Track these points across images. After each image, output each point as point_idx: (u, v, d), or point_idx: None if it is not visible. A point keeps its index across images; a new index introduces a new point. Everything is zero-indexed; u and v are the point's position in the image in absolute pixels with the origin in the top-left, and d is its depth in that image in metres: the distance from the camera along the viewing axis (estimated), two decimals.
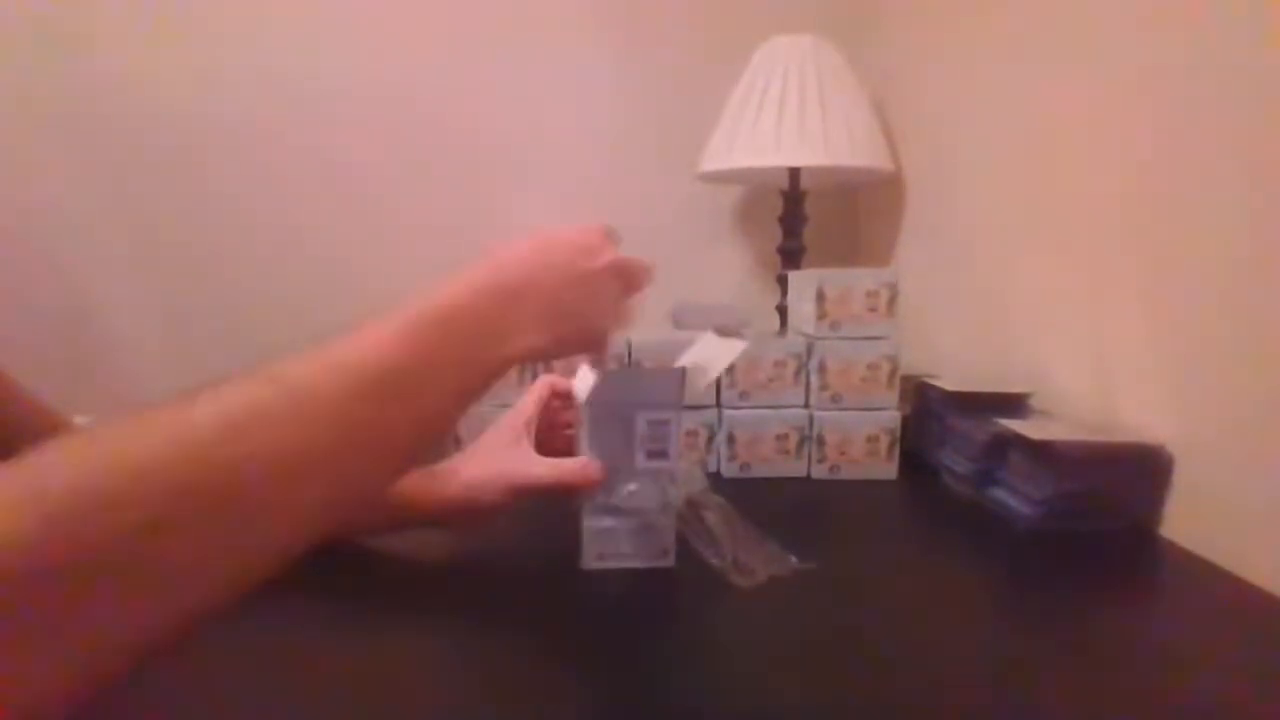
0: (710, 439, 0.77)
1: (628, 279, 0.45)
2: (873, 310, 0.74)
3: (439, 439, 0.35)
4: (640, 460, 0.53)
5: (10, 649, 0.20)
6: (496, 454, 0.55)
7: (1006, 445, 0.65)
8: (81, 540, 0.22)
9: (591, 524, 0.54)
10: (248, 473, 0.27)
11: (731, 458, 0.76)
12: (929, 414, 0.77)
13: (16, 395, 0.48)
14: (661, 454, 0.53)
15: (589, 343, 0.46)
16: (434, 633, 0.47)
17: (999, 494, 0.65)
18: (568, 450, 0.57)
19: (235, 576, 0.27)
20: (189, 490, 0.25)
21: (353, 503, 0.32)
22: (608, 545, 0.54)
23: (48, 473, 0.23)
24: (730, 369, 0.63)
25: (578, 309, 0.42)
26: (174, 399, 0.29)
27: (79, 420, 0.52)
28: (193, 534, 0.25)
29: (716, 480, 0.76)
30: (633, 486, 0.53)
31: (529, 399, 0.57)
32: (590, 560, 0.54)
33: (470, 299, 0.38)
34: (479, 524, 0.58)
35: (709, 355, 0.59)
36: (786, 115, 0.99)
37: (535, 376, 0.60)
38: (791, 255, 1.09)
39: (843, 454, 0.75)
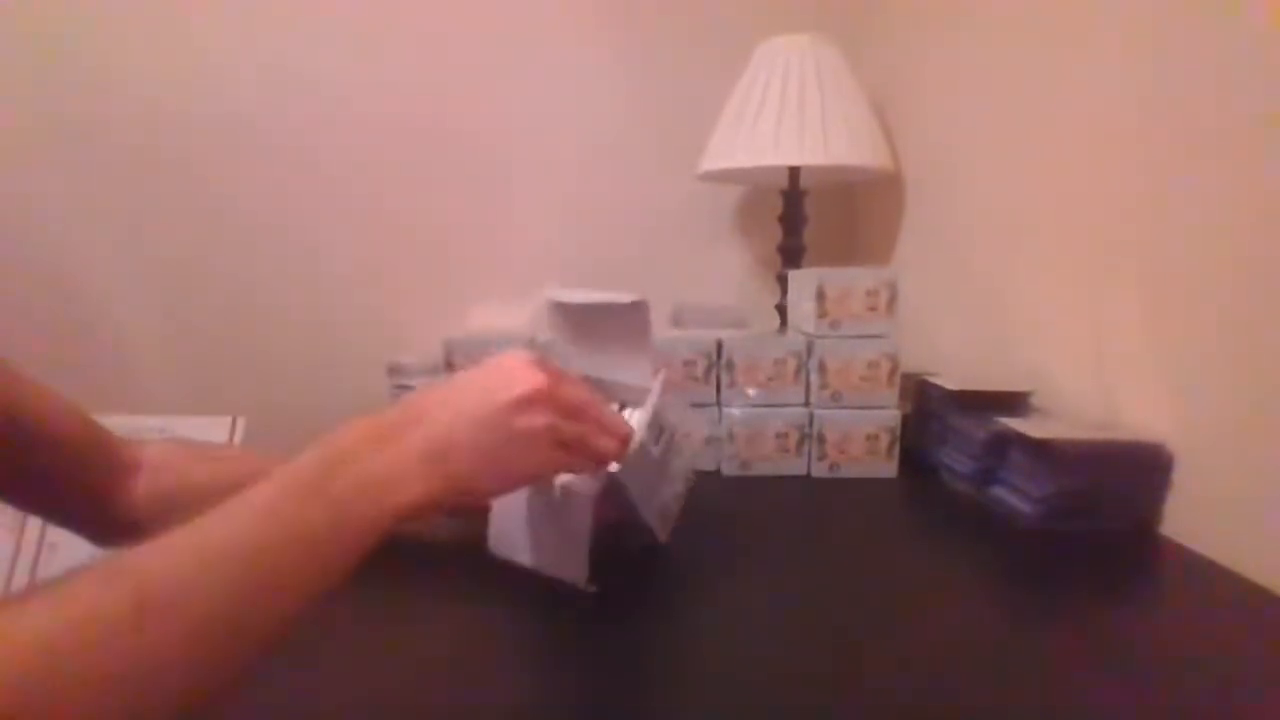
0: (710, 438, 0.77)
1: (557, 426, 0.40)
2: (872, 309, 0.74)
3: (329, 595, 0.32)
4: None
5: None
6: None
7: (1007, 444, 0.65)
8: None
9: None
10: (93, 681, 0.25)
11: (732, 456, 0.76)
12: (929, 412, 0.77)
13: (38, 393, 0.48)
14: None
15: (507, 486, 0.42)
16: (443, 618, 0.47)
17: (999, 492, 0.65)
18: None
19: None
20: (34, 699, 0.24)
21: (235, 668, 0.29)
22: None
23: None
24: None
25: (496, 462, 0.38)
26: (29, 590, 0.27)
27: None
28: None
29: (717, 478, 0.76)
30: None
31: None
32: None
33: (350, 449, 0.34)
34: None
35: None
36: (786, 115, 0.99)
37: None
38: (791, 254, 1.10)
39: (843, 452, 0.75)
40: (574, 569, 0.49)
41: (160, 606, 0.27)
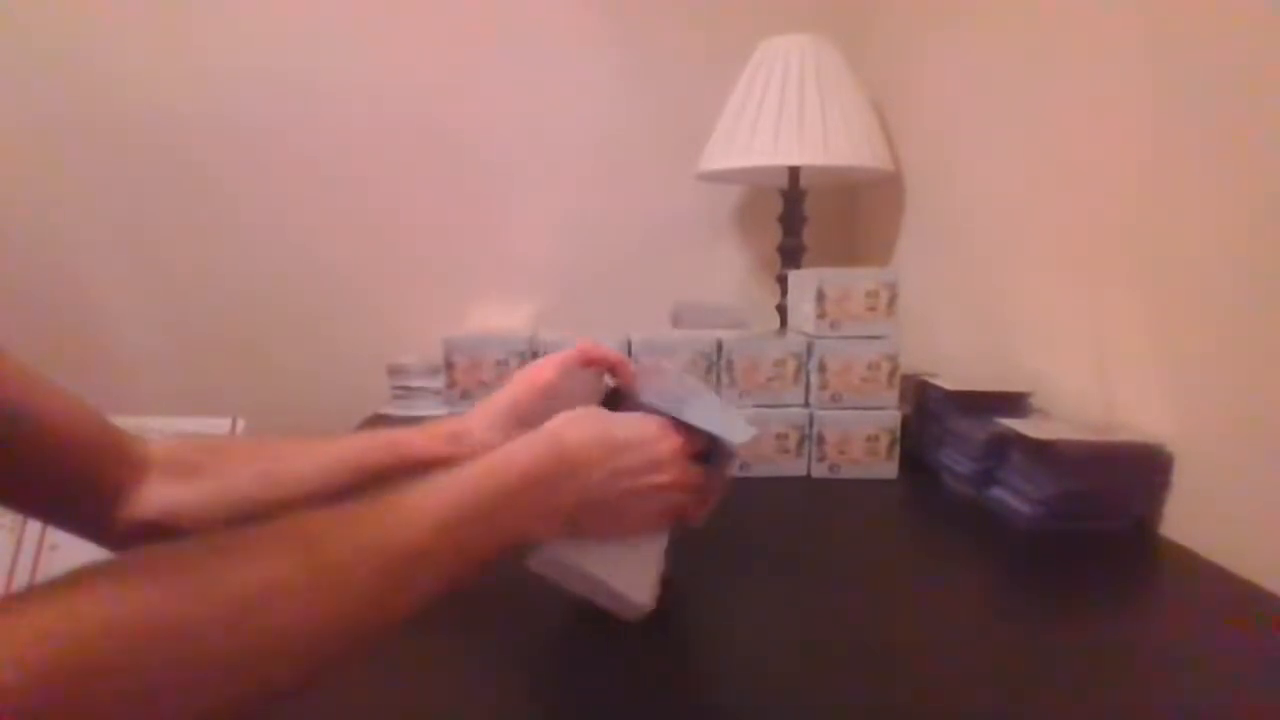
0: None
1: (672, 500, 0.45)
2: (872, 310, 0.74)
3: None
4: None
5: None
6: (496, 435, 0.53)
7: (1007, 444, 0.65)
8: (74, 708, 0.23)
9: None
10: (264, 647, 0.28)
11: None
12: (929, 413, 0.77)
13: (46, 390, 0.48)
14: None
15: (610, 536, 0.45)
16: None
17: (999, 493, 0.65)
18: None
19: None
20: (204, 660, 0.26)
21: (360, 653, 0.32)
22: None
23: (53, 628, 0.24)
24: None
25: (611, 508, 0.42)
26: (204, 547, 0.29)
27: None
28: (197, 699, 0.26)
29: None
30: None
31: (551, 362, 0.56)
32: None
33: (515, 483, 0.38)
34: None
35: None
36: (786, 115, 0.99)
37: None
38: (791, 254, 1.10)
39: (843, 453, 0.75)
40: (637, 587, 0.47)
41: (331, 582, 0.30)
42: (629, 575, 0.48)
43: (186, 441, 0.56)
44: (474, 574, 0.35)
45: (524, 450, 0.40)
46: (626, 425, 0.44)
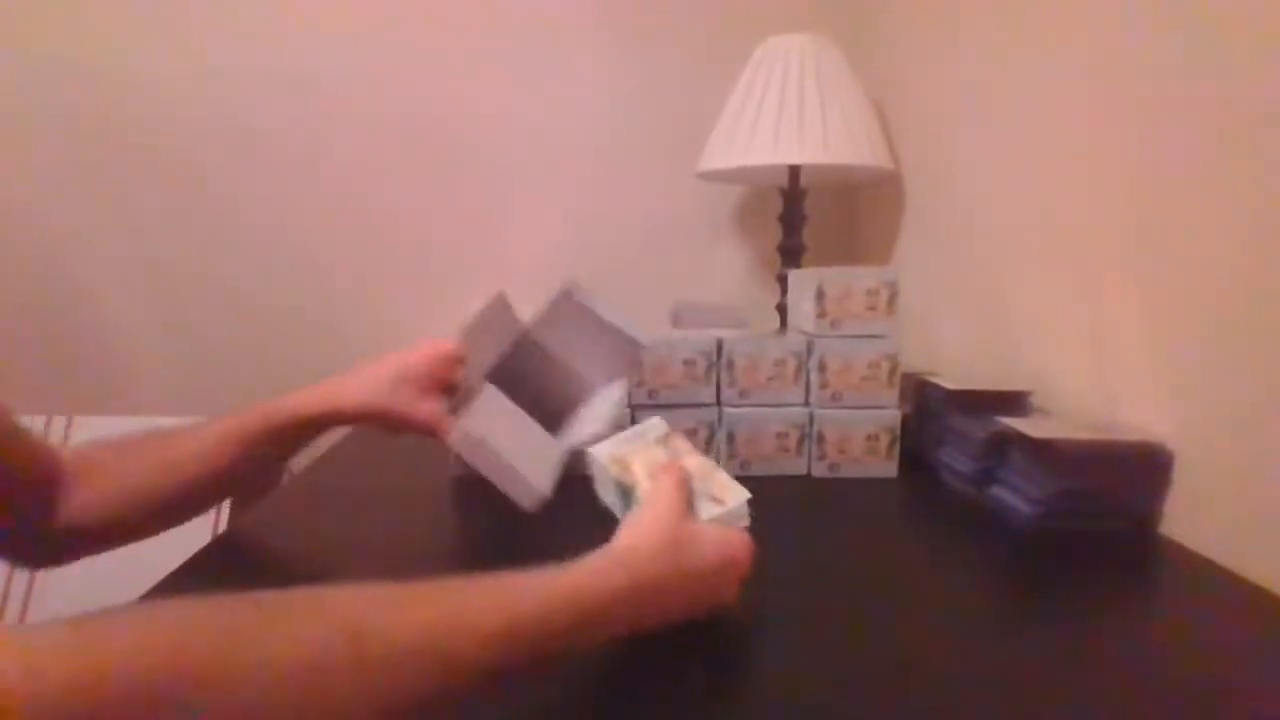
0: (710, 437, 0.77)
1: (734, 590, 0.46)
2: (873, 309, 0.74)
3: None
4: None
5: None
6: (382, 389, 0.59)
7: (1007, 444, 0.65)
8: None
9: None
10: None
11: (731, 456, 0.76)
12: (929, 412, 0.77)
13: None
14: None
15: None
16: None
17: (999, 492, 0.65)
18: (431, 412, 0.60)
19: None
20: (217, 715, 0.25)
21: None
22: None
23: (78, 646, 0.24)
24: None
25: (688, 613, 0.43)
26: (250, 605, 0.28)
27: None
28: None
29: None
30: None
31: (418, 354, 0.61)
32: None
33: (583, 622, 0.36)
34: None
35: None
36: (786, 114, 0.99)
37: None
38: (791, 254, 1.10)
39: (843, 452, 0.75)
40: (539, 474, 0.53)
41: (375, 687, 0.28)
42: (534, 464, 0.53)
43: (94, 443, 0.57)
44: (517, 676, 0.34)
45: (597, 584, 0.37)
46: (699, 544, 0.43)
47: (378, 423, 0.60)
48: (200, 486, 0.57)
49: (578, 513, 0.54)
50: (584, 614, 0.36)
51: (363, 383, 0.60)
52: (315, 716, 0.27)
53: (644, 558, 0.40)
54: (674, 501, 0.44)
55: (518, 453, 0.55)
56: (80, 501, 0.52)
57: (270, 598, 0.28)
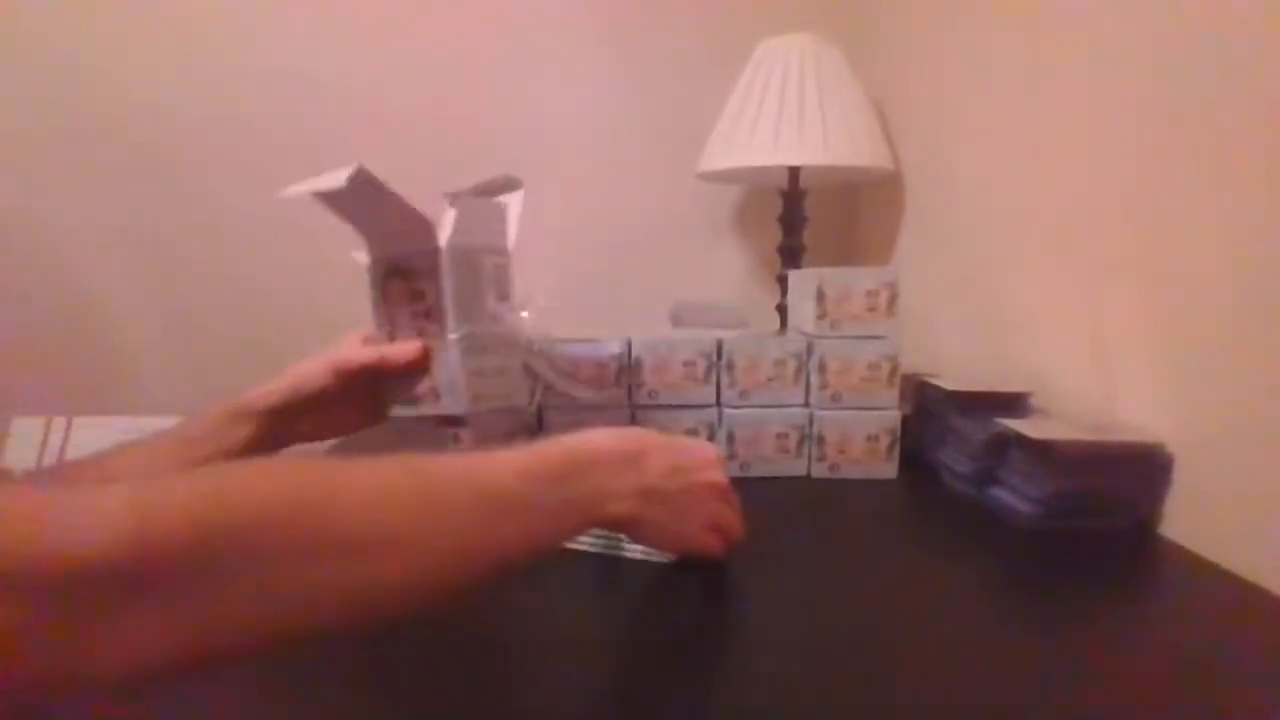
0: (710, 437, 0.77)
1: (720, 509, 0.50)
2: (873, 309, 0.74)
3: (522, 569, 0.37)
4: (492, 303, 0.61)
5: (135, 610, 0.24)
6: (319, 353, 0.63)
7: (1006, 444, 0.65)
8: (224, 550, 0.26)
9: (469, 365, 0.58)
10: (371, 537, 0.31)
11: (731, 456, 0.76)
12: (929, 413, 0.77)
13: None
14: (505, 296, 0.63)
15: (670, 540, 0.50)
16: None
17: (999, 493, 0.65)
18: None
19: (326, 620, 0.30)
20: (317, 536, 0.29)
21: (441, 592, 0.34)
22: (482, 387, 0.59)
23: (209, 489, 0.28)
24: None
25: (674, 502, 0.47)
26: (320, 459, 0.33)
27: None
28: (304, 572, 0.29)
29: None
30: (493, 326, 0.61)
31: (354, 352, 0.64)
32: (468, 404, 0.58)
33: (593, 454, 0.42)
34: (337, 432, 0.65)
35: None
36: (786, 115, 0.99)
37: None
38: (791, 254, 1.10)
39: (843, 453, 0.75)
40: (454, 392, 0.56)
41: (437, 496, 0.34)
42: (449, 378, 0.57)
43: (66, 466, 0.58)
44: (550, 539, 0.39)
45: (596, 434, 0.44)
46: (686, 445, 0.50)
47: (345, 376, 0.61)
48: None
49: None
50: (591, 452, 0.42)
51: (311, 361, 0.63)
52: (398, 526, 0.31)
53: (625, 428, 0.47)
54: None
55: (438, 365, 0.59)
56: None
57: (336, 457, 0.34)
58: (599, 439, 0.43)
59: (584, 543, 0.56)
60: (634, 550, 0.55)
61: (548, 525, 0.39)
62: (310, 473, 0.31)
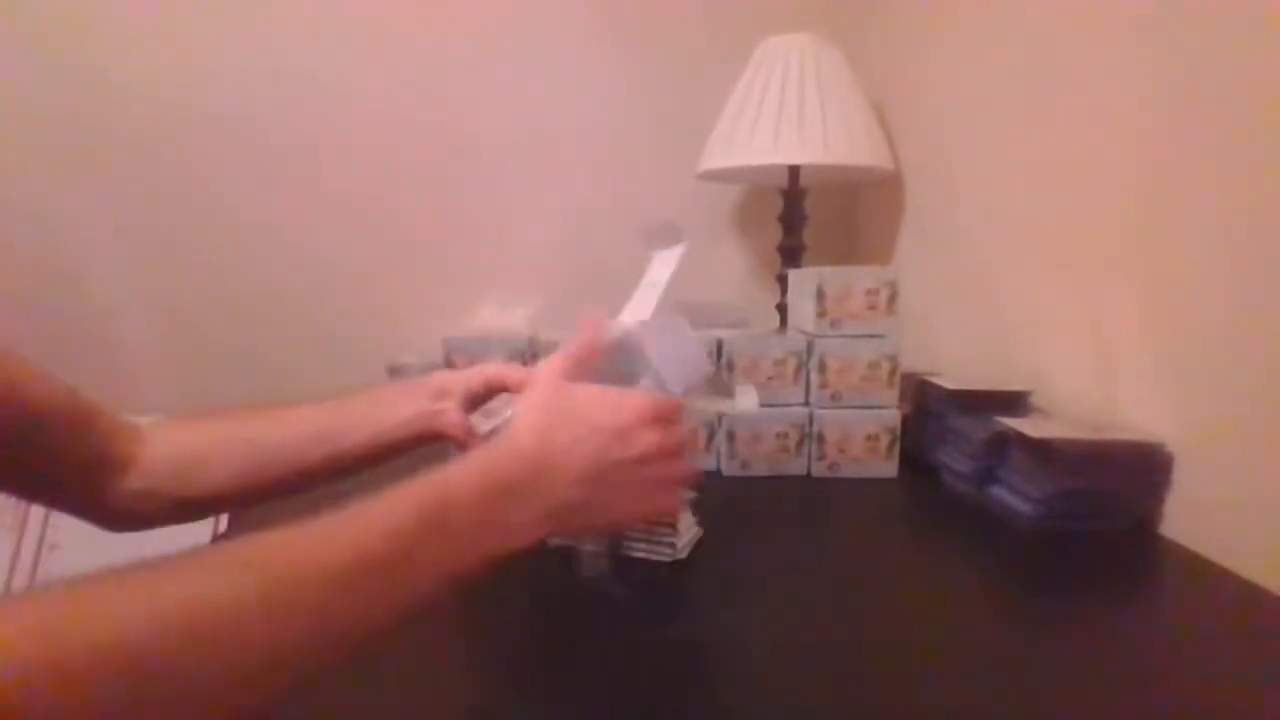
0: (710, 437, 0.77)
1: (655, 474, 0.42)
2: (873, 308, 0.74)
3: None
4: None
5: None
6: (422, 406, 0.56)
7: (1006, 443, 0.65)
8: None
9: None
10: (211, 671, 0.27)
11: (731, 456, 0.76)
12: (929, 412, 0.77)
13: (38, 378, 0.48)
14: None
15: (603, 532, 0.47)
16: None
17: (999, 492, 0.65)
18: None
19: None
20: (149, 678, 0.25)
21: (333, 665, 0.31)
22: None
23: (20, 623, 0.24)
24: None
25: (593, 503, 0.40)
26: (147, 566, 0.28)
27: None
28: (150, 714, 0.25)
29: (717, 478, 0.76)
30: None
31: (460, 376, 0.58)
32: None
33: (472, 496, 0.36)
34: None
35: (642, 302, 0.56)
36: (786, 114, 0.99)
37: None
38: (791, 253, 1.09)
39: (843, 452, 0.75)
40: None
41: (286, 606, 0.29)
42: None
43: (178, 418, 0.57)
44: (440, 588, 0.34)
45: (480, 461, 0.38)
46: (595, 405, 0.41)
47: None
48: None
49: None
50: (475, 488, 0.36)
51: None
52: (236, 652, 0.27)
53: (528, 422, 0.40)
54: (549, 379, 0.43)
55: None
56: (149, 464, 0.52)
57: (173, 557, 0.28)
58: (477, 472, 0.37)
59: (585, 541, 0.56)
60: (637, 549, 0.55)
61: (421, 578, 0.33)
62: (123, 606, 0.26)
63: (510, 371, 0.58)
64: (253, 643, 0.28)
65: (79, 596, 0.26)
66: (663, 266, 0.53)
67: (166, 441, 0.54)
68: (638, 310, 0.52)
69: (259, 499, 0.56)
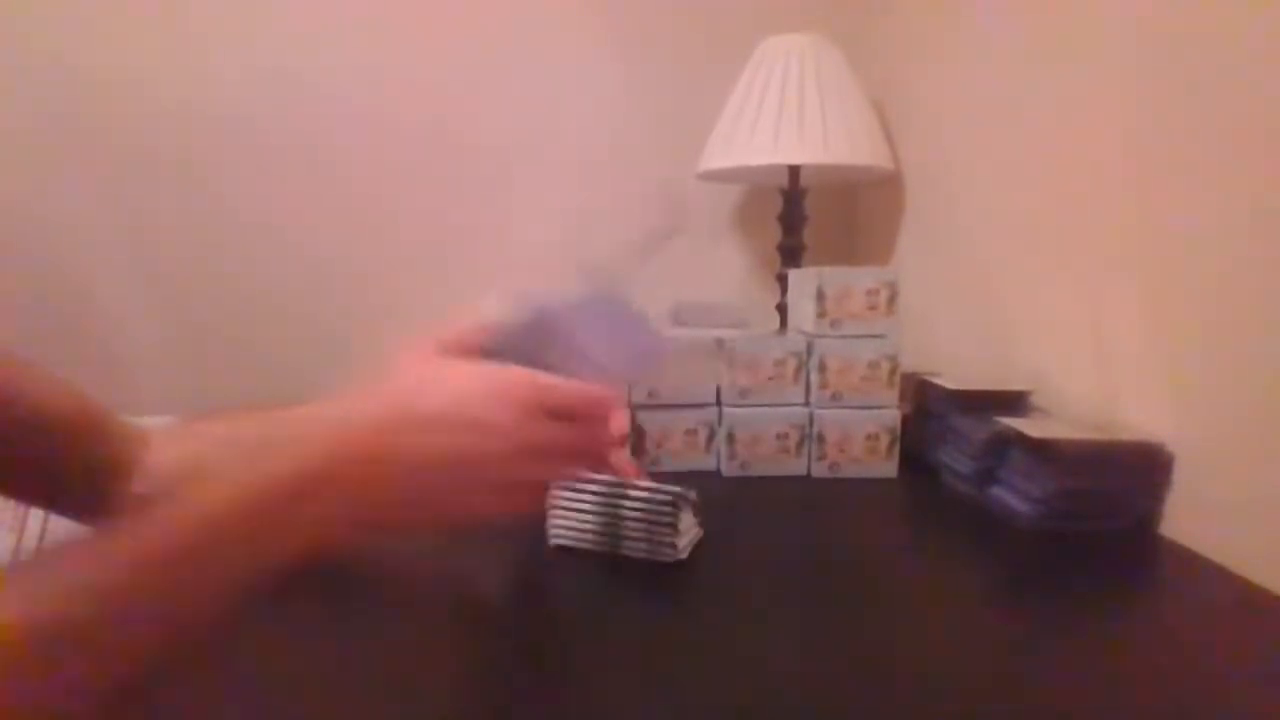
0: (710, 437, 0.77)
1: (513, 469, 0.36)
2: (873, 308, 0.74)
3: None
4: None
5: None
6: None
7: (1007, 443, 0.65)
8: None
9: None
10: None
11: (731, 456, 0.76)
12: (929, 412, 0.77)
13: (44, 381, 0.48)
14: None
15: (446, 524, 0.38)
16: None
17: (999, 492, 0.65)
18: None
19: None
20: None
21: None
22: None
23: None
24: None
25: (423, 498, 0.35)
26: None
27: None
28: None
29: (717, 478, 0.76)
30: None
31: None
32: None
33: (257, 497, 0.31)
34: None
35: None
36: (786, 114, 0.99)
37: None
38: (791, 253, 1.09)
39: (843, 452, 0.75)
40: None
41: (72, 645, 0.26)
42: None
43: (181, 423, 0.56)
44: (252, 581, 0.31)
45: (281, 456, 0.33)
46: (461, 390, 0.36)
47: None
48: None
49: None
50: (263, 491, 0.32)
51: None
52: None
53: (358, 402, 0.36)
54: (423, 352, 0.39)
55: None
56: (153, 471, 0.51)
57: None
58: (276, 469, 0.33)
59: (585, 541, 0.56)
60: (636, 549, 0.55)
61: (256, 572, 0.31)
62: None
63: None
64: (33, 687, 0.25)
65: None
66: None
67: (166, 446, 0.54)
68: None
69: None
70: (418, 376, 0.37)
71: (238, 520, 0.31)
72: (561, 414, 0.37)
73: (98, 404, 0.51)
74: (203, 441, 0.54)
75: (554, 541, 0.57)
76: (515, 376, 0.36)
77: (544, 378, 0.37)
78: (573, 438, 0.38)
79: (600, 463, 0.43)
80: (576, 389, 0.38)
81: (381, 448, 0.34)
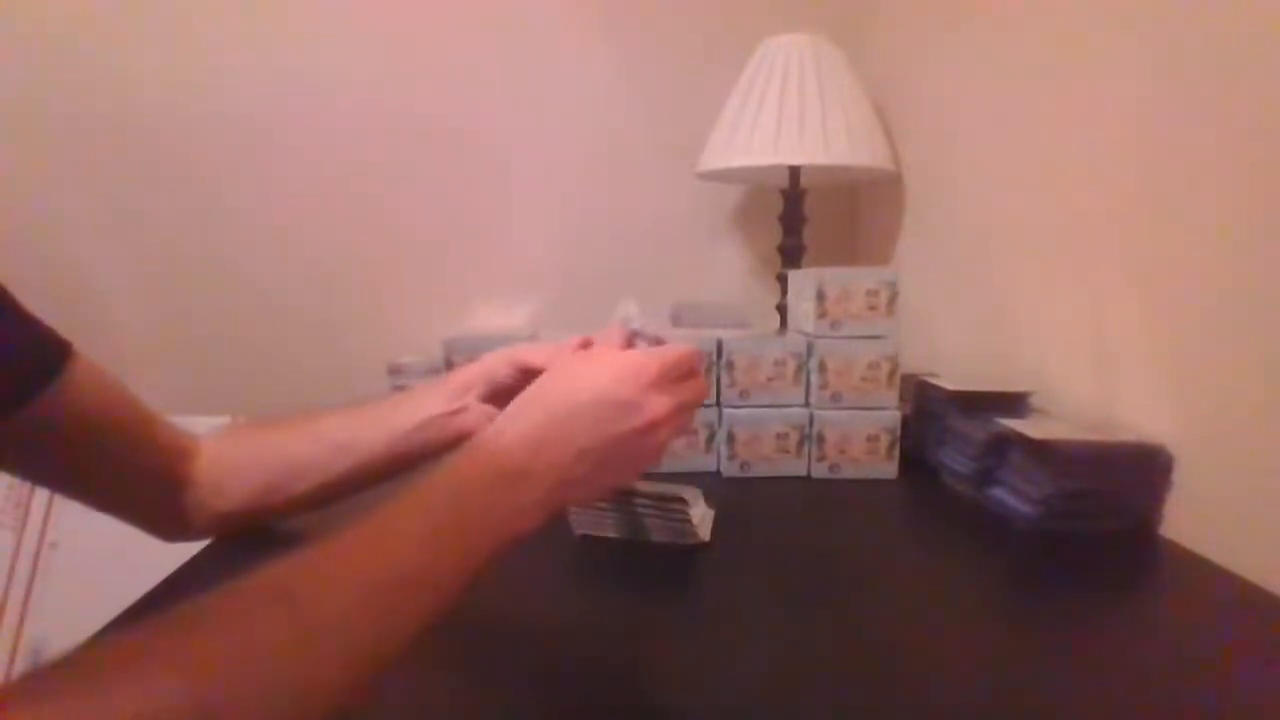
0: (710, 438, 0.77)
1: (655, 441, 0.41)
2: (873, 309, 0.74)
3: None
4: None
5: None
6: (436, 408, 0.55)
7: (1006, 444, 0.65)
8: None
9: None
10: (252, 710, 0.27)
11: (731, 456, 0.76)
12: (929, 413, 0.77)
13: (103, 388, 0.51)
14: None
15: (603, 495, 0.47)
16: None
17: (999, 493, 0.65)
18: None
19: None
20: None
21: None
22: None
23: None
24: None
25: (598, 474, 0.40)
26: (175, 614, 0.27)
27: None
28: None
29: (717, 478, 0.76)
30: None
31: (481, 367, 0.56)
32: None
33: (482, 488, 0.36)
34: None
35: None
36: (786, 114, 0.99)
37: None
38: (791, 254, 1.10)
39: (843, 453, 0.75)
40: None
41: (320, 633, 0.29)
42: None
43: (231, 427, 0.57)
44: (462, 588, 0.34)
45: (478, 451, 0.38)
46: (595, 377, 0.41)
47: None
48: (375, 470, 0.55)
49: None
50: (458, 493, 0.36)
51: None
52: (272, 692, 0.27)
53: (511, 415, 0.40)
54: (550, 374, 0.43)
55: None
56: (204, 474, 0.53)
57: (203, 600, 0.28)
58: (476, 452, 0.38)
59: (606, 528, 0.58)
60: (659, 537, 0.57)
61: (451, 580, 0.34)
62: (181, 679, 0.25)
63: (535, 351, 0.56)
64: (287, 678, 0.28)
65: (101, 683, 0.24)
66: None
67: (208, 452, 0.54)
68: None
69: (284, 513, 0.55)
70: (567, 375, 0.42)
71: (479, 498, 0.36)
72: (680, 377, 0.43)
73: (149, 409, 0.53)
74: (236, 446, 0.56)
75: (578, 531, 0.59)
76: (637, 359, 0.42)
77: (654, 353, 0.43)
78: (692, 392, 0.44)
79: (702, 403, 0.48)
80: (681, 352, 0.44)
81: (563, 439, 0.39)
